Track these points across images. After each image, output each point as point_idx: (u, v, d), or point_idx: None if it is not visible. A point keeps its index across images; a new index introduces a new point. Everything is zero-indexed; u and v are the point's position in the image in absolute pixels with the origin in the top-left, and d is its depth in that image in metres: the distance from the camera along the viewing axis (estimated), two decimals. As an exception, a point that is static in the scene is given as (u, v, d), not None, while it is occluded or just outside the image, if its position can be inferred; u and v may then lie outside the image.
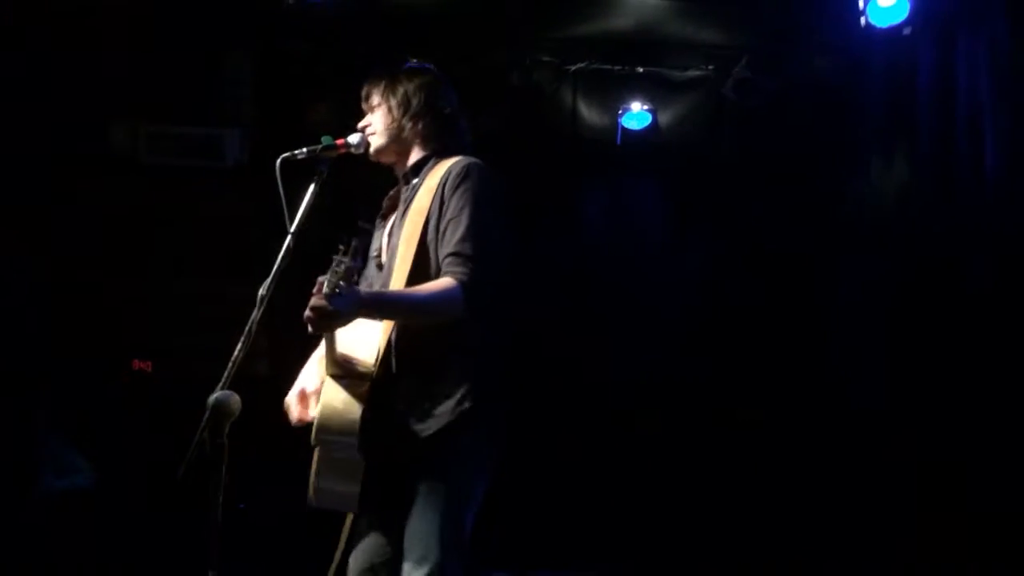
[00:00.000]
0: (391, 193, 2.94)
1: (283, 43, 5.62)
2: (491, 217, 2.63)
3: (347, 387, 2.51)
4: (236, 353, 2.44)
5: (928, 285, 4.75)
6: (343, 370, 2.54)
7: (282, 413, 2.84)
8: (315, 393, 2.72)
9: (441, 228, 2.61)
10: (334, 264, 2.29)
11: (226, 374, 2.42)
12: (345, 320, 2.43)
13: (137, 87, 5.43)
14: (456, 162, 2.71)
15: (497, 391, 2.67)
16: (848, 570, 5.06)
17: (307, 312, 2.40)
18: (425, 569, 2.53)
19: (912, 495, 4.68)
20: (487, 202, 2.63)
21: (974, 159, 4.55)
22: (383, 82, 2.84)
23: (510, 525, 4.88)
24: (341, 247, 2.28)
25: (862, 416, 5.11)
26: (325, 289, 2.30)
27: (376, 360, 2.55)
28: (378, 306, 2.53)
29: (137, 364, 5.38)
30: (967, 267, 4.53)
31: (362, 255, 2.27)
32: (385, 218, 2.91)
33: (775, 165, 5.74)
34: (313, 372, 2.81)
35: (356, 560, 2.75)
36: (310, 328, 2.44)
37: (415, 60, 2.93)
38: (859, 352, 5.28)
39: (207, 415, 2.34)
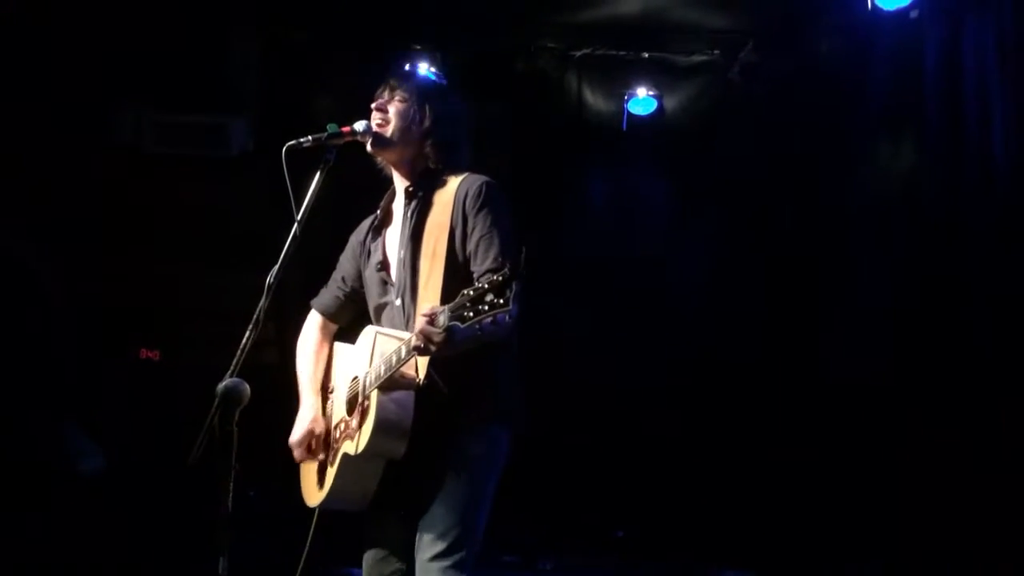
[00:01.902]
0: (382, 204, 2.96)
1: (289, 30, 5.60)
2: (513, 232, 2.74)
3: (395, 398, 2.60)
4: (244, 341, 2.45)
5: (935, 269, 4.73)
6: (392, 383, 2.61)
7: (290, 400, 2.86)
8: (320, 438, 2.84)
9: (471, 247, 2.70)
10: (477, 294, 2.27)
11: (235, 362, 2.44)
12: (457, 351, 2.48)
13: (142, 75, 5.42)
14: (468, 179, 2.78)
15: (518, 387, 2.80)
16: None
17: (421, 339, 2.41)
18: (446, 543, 2.59)
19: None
20: (508, 218, 2.75)
21: (981, 142, 4.54)
22: (414, 94, 2.84)
23: (520, 513, 4.89)
24: (487, 283, 2.27)
25: (866, 408, 5.10)
26: (446, 320, 2.31)
27: (416, 368, 2.63)
28: (471, 341, 2.53)
29: (145, 353, 5.39)
30: (974, 252, 4.52)
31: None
32: (380, 230, 2.92)
33: (781, 149, 5.72)
34: (310, 406, 2.88)
35: (371, 563, 2.81)
36: (418, 352, 2.47)
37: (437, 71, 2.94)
38: (865, 340, 5.26)
39: (216, 403, 2.35)
